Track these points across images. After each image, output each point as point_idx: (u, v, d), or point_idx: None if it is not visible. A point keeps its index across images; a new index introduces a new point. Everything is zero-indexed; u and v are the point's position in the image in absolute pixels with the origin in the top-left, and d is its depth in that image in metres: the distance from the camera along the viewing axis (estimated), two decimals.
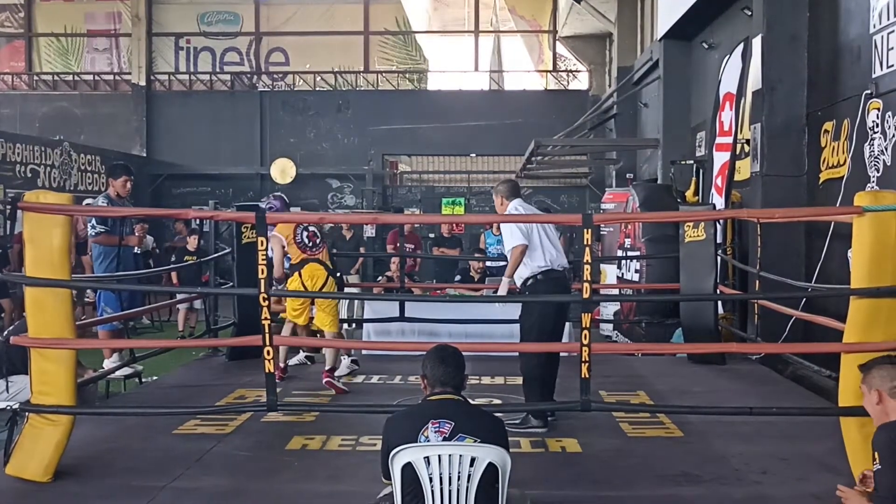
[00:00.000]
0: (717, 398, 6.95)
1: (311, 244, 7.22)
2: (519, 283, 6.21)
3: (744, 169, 10.05)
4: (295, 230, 7.22)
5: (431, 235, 17.17)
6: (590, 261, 4.91)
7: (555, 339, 6.22)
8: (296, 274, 7.22)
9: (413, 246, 14.34)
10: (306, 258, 7.17)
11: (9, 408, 5.72)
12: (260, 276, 4.95)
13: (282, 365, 7.50)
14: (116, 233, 7.49)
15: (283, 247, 7.23)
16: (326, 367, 7.16)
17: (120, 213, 7.43)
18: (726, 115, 9.54)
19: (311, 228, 7.30)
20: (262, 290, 4.95)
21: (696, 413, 6.09)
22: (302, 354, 8.30)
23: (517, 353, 6.46)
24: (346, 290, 12.21)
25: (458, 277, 11.82)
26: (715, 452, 5.50)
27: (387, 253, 14.27)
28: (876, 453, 3.56)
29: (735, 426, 5.93)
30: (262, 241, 4.97)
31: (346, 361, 7.45)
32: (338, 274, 7.43)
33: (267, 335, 4.99)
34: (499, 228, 13.70)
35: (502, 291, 6.25)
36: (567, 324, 9.02)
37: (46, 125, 22.59)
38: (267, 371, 5.07)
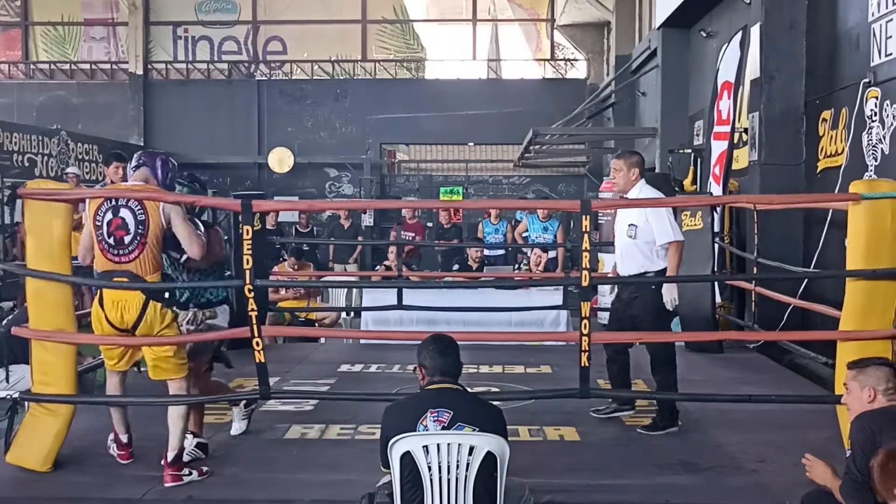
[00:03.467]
0: (714, 386, 6.98)
1: (115, 243, 4.65)
2: (637, 271, 5.83)
3: (742, 158, 10.05)
4: (96, 211, 4.68)
5: (429, 225, 17.16)
6: (588, 248, 4.91)
7: None
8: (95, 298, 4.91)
9: (414, 234, 14.43)
10: (109, 270, 4.71)
11: (9, 397, 5.74)
12: (245, 266, 4.73)
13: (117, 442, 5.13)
14: None
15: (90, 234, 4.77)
16: (169, 454, 4.77)
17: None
18: (724, 104, 9.53)
19: (122, 215, 4.62)
20: (248, 281, 4.76)
21: (693, 401, 6.13)
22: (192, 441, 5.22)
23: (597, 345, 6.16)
24: (345, 278, 12.23)
25: (455, 266, 11.82)
26: (712, 441, 5.54)
27: (386, 241, 14.34)
28: (849, 440, 3.67)
29: (732, 414, 5.96)
30: (247, 231, 4.72)
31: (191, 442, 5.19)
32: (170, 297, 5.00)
33: (255, 327, 4.83)
34: (497, 217, 13.76)
35: (674, 293, 5.76)
36: (565, 312, 9.10)
37: (43, 114, 22.49)
38: (258, 361, 4.96)
